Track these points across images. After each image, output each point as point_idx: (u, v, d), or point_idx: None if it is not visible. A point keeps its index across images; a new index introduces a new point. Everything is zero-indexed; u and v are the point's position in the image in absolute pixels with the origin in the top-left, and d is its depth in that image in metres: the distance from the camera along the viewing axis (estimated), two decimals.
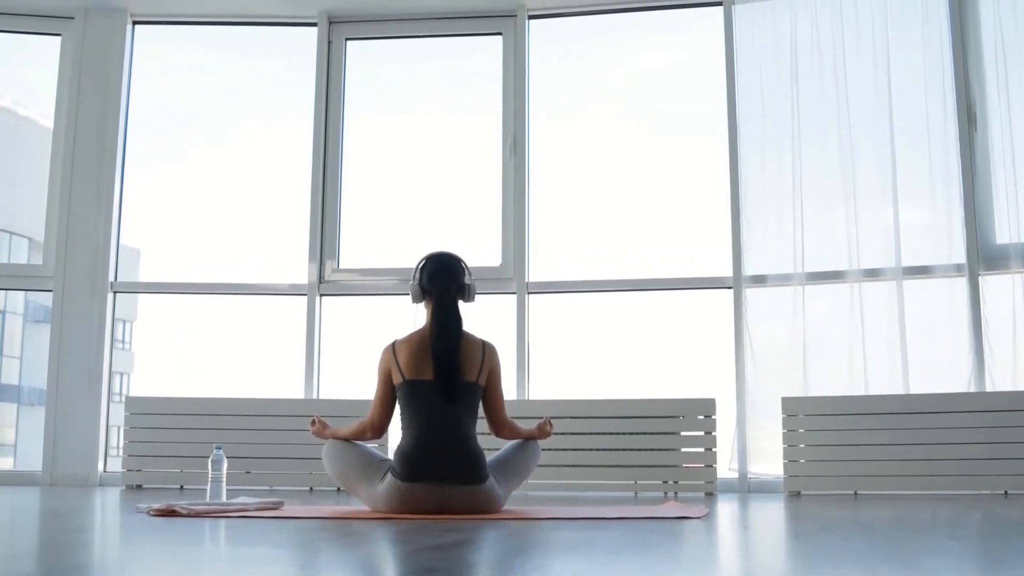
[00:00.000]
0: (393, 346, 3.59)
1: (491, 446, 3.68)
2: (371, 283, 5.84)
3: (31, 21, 5.96)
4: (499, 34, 5.91)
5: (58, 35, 5.97)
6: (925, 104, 5.27)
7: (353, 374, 5.57)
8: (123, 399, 5.71)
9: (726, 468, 5.18)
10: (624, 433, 5.11)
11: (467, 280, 3.68)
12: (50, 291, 5.74)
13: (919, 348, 5.08)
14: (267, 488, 5.14)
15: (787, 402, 5.03)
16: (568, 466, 5.09)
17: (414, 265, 3.70)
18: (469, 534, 2.74)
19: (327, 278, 5.79)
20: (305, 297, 5.74)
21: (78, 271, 5.72)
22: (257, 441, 5.28)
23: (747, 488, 5.19)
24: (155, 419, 5.40)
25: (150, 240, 6.27)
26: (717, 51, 5.62)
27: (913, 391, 5.02)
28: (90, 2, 5.86)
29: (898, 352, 5.08)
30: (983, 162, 5.22)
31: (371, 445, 3.74)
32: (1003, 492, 4.73)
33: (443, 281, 3.63)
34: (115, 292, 5.82)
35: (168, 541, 2.55)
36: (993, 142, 5.20)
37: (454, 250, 3.74)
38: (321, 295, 5.77)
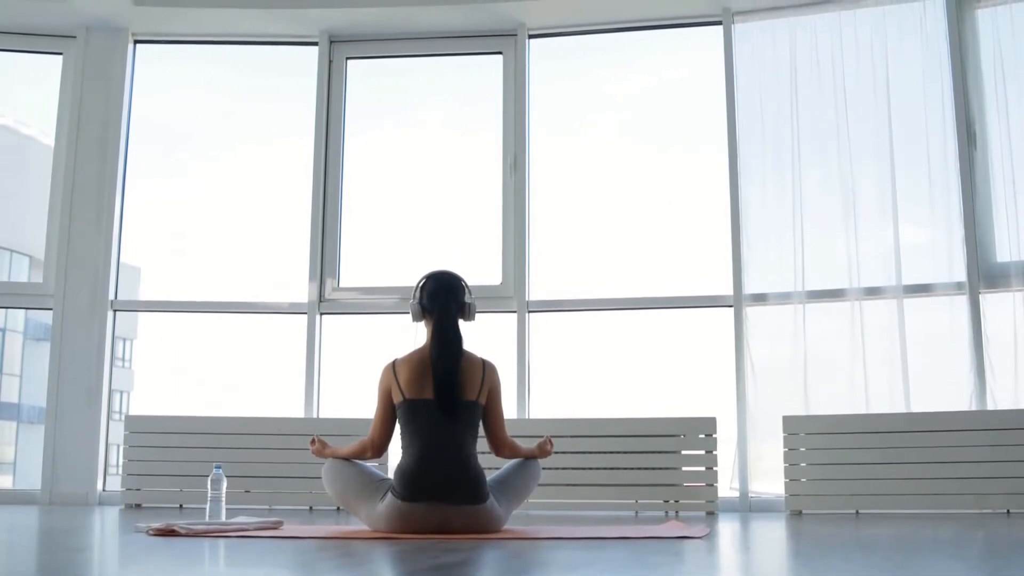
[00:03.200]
0: (393, 365, 3.59)
1: (491, 465, 3.68)
2: (371, 302, 5.83)
3: (33, 40, 5.98)
4: (499, 53, 5.93)
5: (59, 54, 5.99)
6: (925, 122, 5.28)
7: (353, 393, 5.56)
8: (123, 417, 5.70)
9: (727, 487, 5.17)
10: (625, 452, 5.10)
11: (467, 299, 3.68)
12: (50, 309, 5.74)
13: (920, 366, 5.07)
14: (266, 507, 5.12)
15: (788, 421, 5.02)
16: (569, 485, 5.07)
17: (414, 284, 3.71)
18: (469, 554, 2.73)
19: (327, 296, 5.79)
20: (305, 315, 5.73)
21: (78, 289, 5.73)
22: (257, 460, 5.27)
23: (748, 507, 5.17)
24: (155, 438, 5.38)
25: (150, 258, 6.26)
26: (717, 69, 5.64)
27: (914, 410, 5.01)
28: (91, 21, 5.88)
29: (899, 370, 5.07)
30: (983, 180, 5.23)
31: (371, 464, 3.73)
32: (1005, 511, 4.72)
33: (443, 300, 3.63)
34: (115, 310, 5.82)
35: (167, 561, 2.54)
36: (993, 160, 5.22)
37: (454, 268, 3.75)
38: (321, 313, 5.77)
